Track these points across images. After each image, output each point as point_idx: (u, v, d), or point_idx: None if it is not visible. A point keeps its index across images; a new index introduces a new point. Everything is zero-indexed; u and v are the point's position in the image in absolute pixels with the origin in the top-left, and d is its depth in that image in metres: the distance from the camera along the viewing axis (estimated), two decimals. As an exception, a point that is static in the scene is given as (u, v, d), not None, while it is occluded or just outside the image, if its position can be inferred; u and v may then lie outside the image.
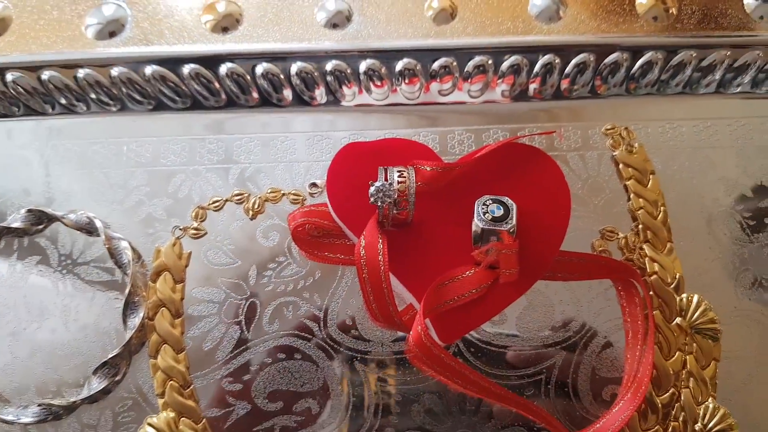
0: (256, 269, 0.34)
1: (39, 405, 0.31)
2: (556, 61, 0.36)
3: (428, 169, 0.32)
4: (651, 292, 0.33)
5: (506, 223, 0.30)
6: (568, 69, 0.37)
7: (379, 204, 0.30)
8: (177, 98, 0.37)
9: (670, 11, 0.37)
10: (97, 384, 0.31)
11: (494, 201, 0.31)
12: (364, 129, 0.37)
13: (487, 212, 0.30)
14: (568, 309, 0.33)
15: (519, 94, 0.37)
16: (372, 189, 0.30)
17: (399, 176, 0.31)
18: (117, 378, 0.32)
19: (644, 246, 0.34)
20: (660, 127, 0.37)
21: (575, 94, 0.38)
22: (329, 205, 0.33)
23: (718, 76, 0.37)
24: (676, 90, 0.38)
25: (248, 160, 0.36)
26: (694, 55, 0.37)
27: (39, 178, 0.36)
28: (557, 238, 0.32)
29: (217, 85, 0.36)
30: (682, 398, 0.32)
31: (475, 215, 0.31)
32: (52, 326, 0.33)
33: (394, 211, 0.31)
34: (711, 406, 0.31)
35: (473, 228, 0.31)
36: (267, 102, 0.37)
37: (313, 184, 0.35)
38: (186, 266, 0.34)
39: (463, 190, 0.33)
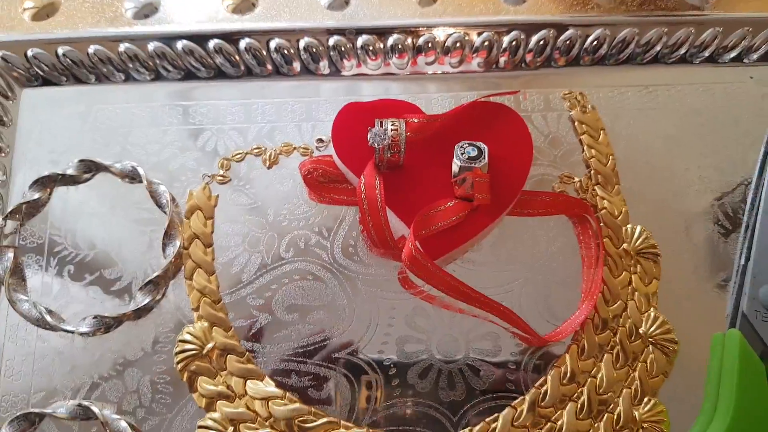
0: (273, 209, 0.40)
1: (93, 317, 0.37)
2: (522, 37, 0.43)
3: (416, 121, 0.39)
4: (602, 224, 0.40)
5: (479, 161, 0.37)
6: (531, 44, 0.44)
7: (376, 146, 0.37)
8: (203, 69, 0.43)
9: (616, -5, 0.44)
10: (141, 299, 0.38)
11: (470, 145, 0.38)
12: (362, 96, 0.44)
13: (464, 153, 0.37)
14: (535, 240, 0.40)
15: (491, 65, 0.44)
16: (370, 134, 0.37)
17: (392, 125, 0.38)
18: (158, 296, 0.38)
19: (596, 188, 0.41)
20: (609, 93, 0.44)
21: (538, 65, 0.45)
22: (334, 155, 0.40)
23: (657, 48, 0.44)
24: (621, 61, 0.45)
25: (264, 120, 0.43)
26: (637, 31, 0.44)
27: (87, 136, 0.42)
28: (522, 175, 0.39)
29: (237, 57, 0.43)
30: (628, 309, 0.38)
31: (455, 156, 0.38)
32: (104, 255, 0.39)
33: (388, 155, 0.38)
34: (652, 314, 0.37)
35: (453, 167, 0.38)
36: (279, 72, 0.44)
37: (320, 140, 0.42)
38: (215, 206, 0.40)
39: (445, 138, 0.39)
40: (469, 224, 0.38)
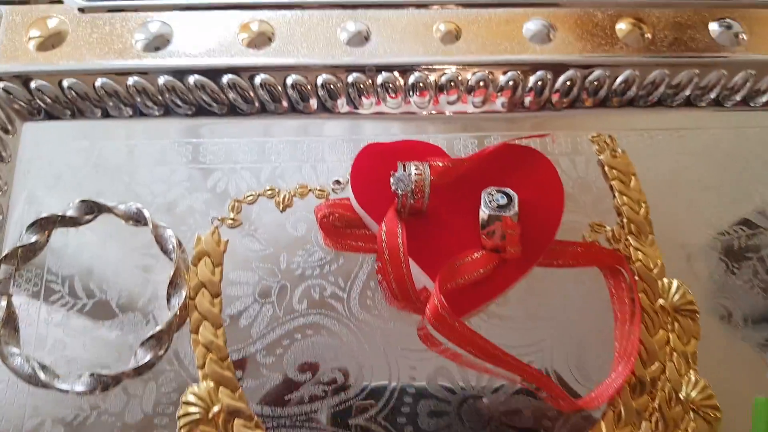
0: (286, 255, 0.38)
1: (90, 375, 0.34)
2: (548, 76, 0.41)
3: (440, 164, 0.37)
4: (636, 277, 0.38)
5: (509, 209, 0.35)
6: (557, 84, 0.42)
7: (399, 192, 0.35)
8: (215, 104, 0.41)
9: (646, 36, 0.43)
10: (142, 356, 0.35)
11: (498, 191, 0.36)
12: (380, 134, 0.42)
13: (493, 200, 0.35)
14: (564, 294, 0.37)
15: (516, 105, 0.42)
16: (393, 179, 0.35)
17: (416, 170, 0.35)
18: (161, 351, 0.35)
19: (629, 237, 0.39)
20: (639, 136, 0.42)
21: (564, 106, 0.43)
22: (352, 198, 0.38)
23: (688, 91, 0.43)
24: (651, 103, 0.43)
25: (278, 160, 0.40)
26: (667, 73, 0.42)
27: (89, 174, 0.40)
28: (553, 225, 0.37)
29: (251, 93, 0.41)
30: (667, 371, 0.35)
31: (482, 203, 0.35)
32: (104, 304, 0.36)
33: (411, 201, 0.35)
34: (693, 378, 0.35)
35: (481, 215, 0.35)
36: (295, 109, 0.42)
37: (336, 181, 0.40)
38: (224, 252, 0.37)
39: (471, 183, 0.37)
40: (498, 277, 0.35)
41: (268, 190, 0.39)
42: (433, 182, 0.36)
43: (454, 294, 0.34)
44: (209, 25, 0.41)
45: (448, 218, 0.37)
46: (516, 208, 0.35)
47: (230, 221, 0.38)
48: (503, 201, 0.35)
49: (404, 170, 0.35)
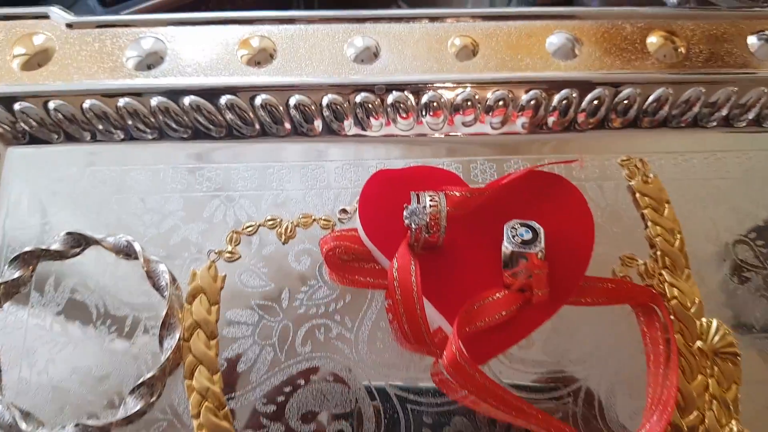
0: (289, 292, 0.34)
1: (75, 425, 0.31)
2: (573, 95, 0.38)
3: (457, 194, 0.33)
4: (672, 317, 0.34)
5: (535, 245, 0.31)
6: (584, 103, 0.39)
7: (413, 226, 0.31)
8: (212, 127, 0.38)
9: (679, 50, 0.39)
10: (132, 404, 0.32)
11: (522, 225, 0.32)
12: (390, 158, 0.38)
13: (516, 235, 0.32)
14: (592, 334, 0.34)
15: (538, 126, 0.39)
16: (406, 212, 0.32)
17: (430, 201, 0.32)
18: (152, 399, 0.32)
19: (663, 272, 0.36)
20: (672, 159, 0.39)
21: (591, 127, 0.39)
22: (360, 230, 0.34)
23: (725, 111, 0.39)
24: (686, 124, 0.40)
25: (280, 187, 0.37)
26: (703, 91, 0.39)
27: (77, 203, 0.37)
28: (583, 261, 0.33)
29: (251, 115, 0.38)
30: (707, 421, 0.32)
31: (505, 238, 0.32)
32: (89, 348, 0.33)
33: (426, 234, 0.32)
34: (735, 428, 0.32)
35: (503, 251, 0.32)
36: (298, 132, 0.39)
37: (343, 210, 0.37)
38: (221, 289, 0.34)
39: (491, 215, 0.34)
40: (522, 320, 0.32)
41: (269, 220, 0.36)
42: (449, 214, 0.32)
43: (472, 338, 0.31)
44: (206, 42, 0.38)
45: (466, 253, 0.34)
46: (542, 243, 0.31)
47: (228, 254, 0.35)
48: (528, 236, 0.32)
49: (418, 201, 0.32)
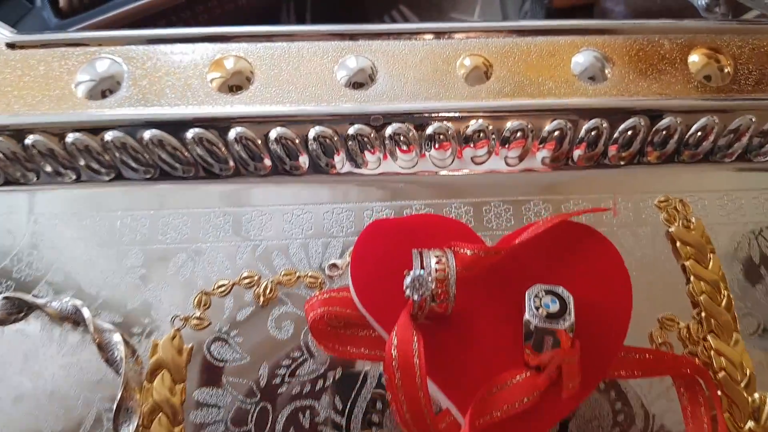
0: (268, 366, 0.29)
1: None
2: (603, 125, 0.33)
3: (468, 252, 0.28)
4: (719, 391, 0.29)
5: (563, 320, 0.26)
6: (615, 134, 0.33)
7: (416, 298, 0.26)
8: (178, 166, 0.32)
9: (725, 70, 0.34)
10: None
11: (548, 292, 0.27)
12: (389, 200, 0.33)
13: (541, 306, 0.26)
14: (625, 411, 0.29)
15: (561, 161, 0.34)
16: (407, 280, 0.26)
17: (437, 262, 0.27)
18: (103, 503, 0.27)
19: (708, 337, 0.30)
20: (718, 200, 0.33)
21: (624, 162, 0.34)
22: (353, 292, 0.29)
23: (780, 142, 0.34)
24: (733, 158, 0.34)
25: (259, 236, 0.32)
26: (753, 119, 0.33)
27: (20, 258, 0.31)
28: (619, 334, 0.28)
29: (224, 151, 0.32)
30: None
31: (527, 310, 0.26)
32: (28, 439, 0.28)
33: (432, 303, 0.27)
34: None
35: (525, 325, 0.27)
36: (280, 170, 0.33)
37: (333, 265, 0.31)
38: (187, 363, 0.29)
39: (508, 276, 0.29)
40: (546, 407, 0.26)
41: (246, 277, 0.31)
42: (459, 275, 0.27)
43: (487, 430, 0.25)
44: (171, 63, 0.32)
45: (478, 324, 0.28)
46: (572, 317, 0.26)
47: (196, 321, 0.30)
48: (554, 307, 0.26)
49: (421, 264, 0.27)
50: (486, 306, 0.28)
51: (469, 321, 0.28)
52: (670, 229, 0.32)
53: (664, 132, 0.33)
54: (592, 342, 0.27)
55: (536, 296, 0.27)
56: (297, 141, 0.32)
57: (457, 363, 0.27)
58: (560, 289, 0.27)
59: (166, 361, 0.29)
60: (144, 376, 0.29)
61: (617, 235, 0.32)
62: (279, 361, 0.29)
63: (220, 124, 0.32)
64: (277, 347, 0.30)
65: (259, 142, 0.32)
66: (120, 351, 0.29)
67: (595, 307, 0.28)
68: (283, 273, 0.31)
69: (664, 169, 0.34)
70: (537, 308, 0.26)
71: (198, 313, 0.30)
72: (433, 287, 0.26)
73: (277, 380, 0.29)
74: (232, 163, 0.33)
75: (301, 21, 0.50)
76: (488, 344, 0.28)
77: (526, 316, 0.26)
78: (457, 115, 0.32)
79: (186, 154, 0.32)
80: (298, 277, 0.31)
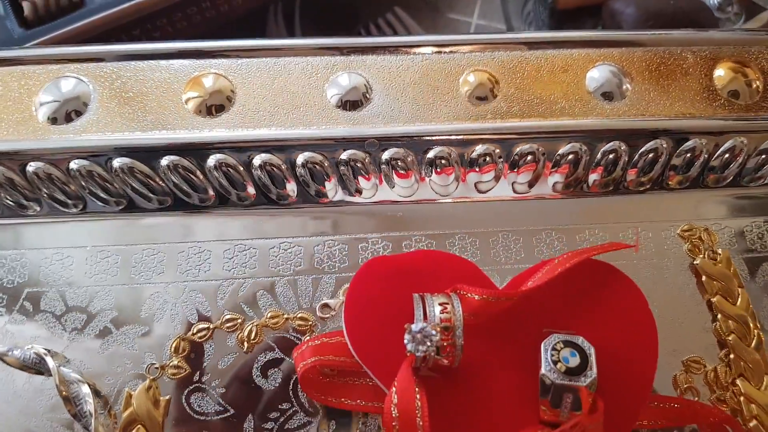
0: (254, 420, 0.26)
1: None
2: (622, 147, 0.30)
3: (477, 297, 0.25)
4: (751, 444, 0.26)
5: (585, 376, 0.23)
6: (635, 158, 0.30)
7: (418, 355, 0.23)
8: (152, 196, 0.29)
9: (754, 85, 0.31)
10: None
11: (566, 344, 0.24)
12: (386, 230, 0.30)
13: (559, 361, 0.23)
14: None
15: (575, 187, 0.31)
16: (408, 335, 0.23)
17: (442, 311, 0.24)
18: None
19: (738, 381, 0.27)
20: (746, 227, 0.31)
21: (643, 188, 0.31)
22: (347, 340, 0.26)
23: (814, 164, 0.31)
24: (763, 182, 0.31)
25: (242, 272, 0.29)
26: (786, 139, 0.30)
27: (-26, 301, 0.28)
28: (644, 386, 0.25)
29: (203, 179, 0.29)
30: None
31: (543, 364, 0.23)
32: None
33: (436, 357, 0.24)
34: None
35: (541, 380, 0.24)
36: (266, 199, 0.30)
37: (325, 305, 0.28)
38: (164, 417, 0.26)
39: (521, 322, 0.26)
40: (565, 472, 0.23)
41: (228, 320, 0.28)
42: (466, 321, 0.24)
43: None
44: (143, 83, 0.29)
45: (488, 375, 0.25)
46: (594, 372, 0.23)
47: (173, 370, 0.27)
48: (574, 361, 0.23)
49: (424, 312, 0.24)
50: (496, 355, 0.25)
51: (477, 373, 0.25)
52: (695, 262, 0.30)
53: (687, 155, 0.30)
54: (615, 396, 0.24)
55: (553, 347, 0.24)
56: (284, 167, 0.29)
57: (465, 420, 0.24)
58: (580, 340, 0.24)
59: (141, 415, 0.26)
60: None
61: (637, 269, 0.29)
62: (266, 414, 0.26)
63: (197, 150, 0.28)
64: (263, 398, 0.27)
65: (242, 169, 0.29)
66: (89, 404, 0.26)
67: (618, 356, 0.25)
68: (269, 315, 0.28)
69: (687, 195, 0.31)
70: (555, 362, 0.23)
71: (175, 361, 0.27)
72: (438, 339, 0.23)
73: (264, 437, 0.26)
74: (212, 192, 0.29)
75: (289, 26, 0.47)
76: (499, 399, 0.25)
77: (543, 370, 0.23)
78: (460, 137, 0.29)
79: (160, 183, 0.29)
80: (286, 319, 0.28)
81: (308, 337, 0.28)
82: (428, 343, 0.23)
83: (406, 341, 0.23)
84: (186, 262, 0.29)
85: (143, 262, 0.29)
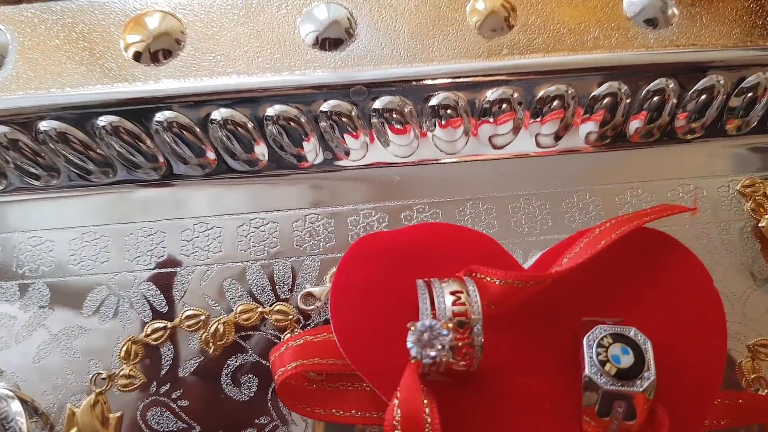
0: (226, 439, 0.21)
1: None
2: (670, 86, 0.24)
3: (498, 282, 0.19)
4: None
5: (641, 379, 0.18)
6: (685, 99, 0.24)
7: (426, 361, 0.18)
8: (89, 167, 0.24)
9: (831, 5, 0.25)
10: None
11: (615, 338, 0.18)
12: (381, 200, 0.25)
13: (608, 360, 0.18)
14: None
15: (613, 138, 0.25)
16: (412, 336, 0.18)
17: (455, 302, 0.18)
18: None
19: (819, 367, 0.22)
20: (822, 180, 0.25)
21: (694, 135, 0.25)
22: (335, 335, 0.20)
23: None
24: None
25: (204, 258, 0.23)
26: None
27: None
28: (712, 383, 0.20)
29: (149, 144, 0.23)
30: None
31: (587, 364, 0.18)
32: None
33: (450, 360, 0.18)
34: None
35: (585, 385, 0.18)
36: (230, 166, 0.24)
37: (309, 295, 0.23)
38: (114, 438, 0.21)
39: (555, 311, 0.21)
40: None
41: (189, 317, 0.22)
42: (486, 313, 0.19)
43: None
44: (71, 27, 0.23)
45: (513, 379, 0.20)
46: (653, 374, 0.18)
47: (124, 380, 0.22)
48: (627, 360, 0.18)
49: (431, 303, 0.18)
50: (524, 355, 0.20)
51: (501, 377, 0.20)
52: (759, 224, 0.24)
53: (749, 94, 0.24)
54: (677, 401, 0.19)
55: (600, 345, 0.18)
56: (250, 126, 0.23)
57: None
58: (632, 332, 0.19)
59: None
60: (56, 460, 0.21)
61: (687, 236, 0.24)
62: (240, 430, 0.21)
63: (141, 108, 0.23)
64: (236, 412, 0.22)
65: (198, 129, 0.23)
66: (21, 425, 0.21)
67: (679, 351, 0.20)
68: (239, 309, 0.23)
69: (748, 144, 0.25)
70: (603, 363, 0.18)
71: (126, 369, 0.22)
72: (451, 339, 0.18)
73: (238, 458, 0.21)
74: (161, 160, 0.24)
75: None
76: (529, 408, 0.20)
77: (588, 373, 0.18)
78: (469, 80, 0.23)
79: (97, 151, 0.23)
80: (261, 313, 0.23)
81: (288, 336, 0.22)
82: (438, 347, 0.18)
83: (409, 345, 0.18)
84: (135, 247, 0.24)
85: (83, 249, 0.23)
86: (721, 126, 0.25)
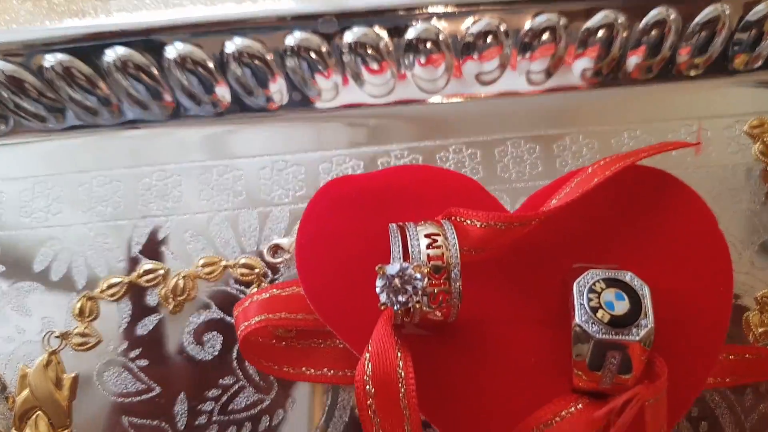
0: (187, 399, 0.20)
1: None
2: (671, 16, 0.22)
3: (478, 224, 0.17)
4: None
5: (637, 327, 0.16)
6: (687, 32, 0.22)
7: (397, 308, 0.16)
8: (40, 112, 0.22)
9: None
10: None
11: (609, 283, 0.17)
12: (355, 145, 0.23)
13: (601, 307, 0.16)
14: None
15: (609, 75, 0.23)
16: (381, 281, 0.16)
17: (429, 245, 0.17)
18: None
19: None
20: (835, 119, 0.23)
21: (698, 72, 0.23)
22: (302, 287, 0.19)
23: None
24: None
25: (163, 208, 0.21)
26: None
27: None
28: (715, 336, 0.18)
29: (103, 87, 0.21)
30: None
31: (577, 311, 0.17)
32: None
33: (425, 309, 0.17)
34: None
35: (574, 334, 0.17)
36: (187, 109, 0.22)
37: (277, 247, 0.21)
38: (71, 400, 0.20)
39: (542, 256, 0.19)
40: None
41: (147, 272, 0.21)
42: (465, 259, 0.17)
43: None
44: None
45: (498, 331, 0.18)
46: (650, 321, 0.16)
47: (79, 338, 0.20)
48: (622, 306, 0.16)
49: (404, 248, 0.17)
50: (508, 304, 0.18)
51: (483, 328, 0.19)
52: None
53: (754, 29, 0.22)
54: (677, 353, 0.17)
55: (591, 290, 0.17)
56: (210, 64, 0.21)
57: (468, 392, 0.18)
58: (628, 277, 0.17)
59: (40, 399, 0.20)
60: (11, 422, 0.19)
61: (691, 178, 0.22)
62: (203, 392, 0.20)
63: (89, 46, 0.21)
64: (198, 372, 0.20)
65: (154, 69, 0.21)
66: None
67: (680, 298, 0.18)
68: (201, 263, 0.21)
69: (756, 80, 0.23)
70: (594, 310, 0.16)
71: (81, 327, 0.20)
72: (425, 285, 0.16)
73: (202, 419, 0.20)
74: (114, 102, 0.22)
75: None
76: (514, 362, 0.18)
77: (577, 320, 0.17)
78: (450, 10, 0.21)
79: (49, 94, 0.21)
80: (225, 267, 0.21)
81: (255, 290, 0.21)
82: (410, 291, 0.16)
83: (378, 289, 0.16)
84: (88, 197, 0.22)
85: (34, 200, 0.22)
86: (726, 61, 0.23)
